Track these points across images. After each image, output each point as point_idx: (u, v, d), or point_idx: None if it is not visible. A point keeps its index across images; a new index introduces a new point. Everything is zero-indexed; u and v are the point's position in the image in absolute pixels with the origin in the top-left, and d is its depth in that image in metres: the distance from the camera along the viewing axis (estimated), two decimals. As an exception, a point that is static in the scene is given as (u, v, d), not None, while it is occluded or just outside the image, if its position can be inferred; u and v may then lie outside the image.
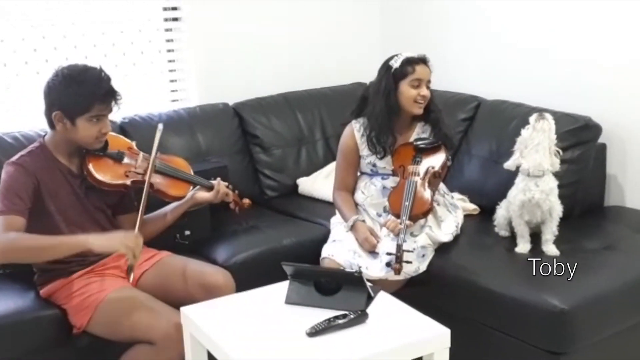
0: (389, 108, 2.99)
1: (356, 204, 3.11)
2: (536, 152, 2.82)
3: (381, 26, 4.37)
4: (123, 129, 3.46)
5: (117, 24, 3.71)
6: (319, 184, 3.69)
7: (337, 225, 3.09)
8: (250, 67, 4.03)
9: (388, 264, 2.69)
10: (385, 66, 3.04)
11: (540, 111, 3.27)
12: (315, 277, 2.40)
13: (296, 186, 3.77)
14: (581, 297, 2.50)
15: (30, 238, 2.44)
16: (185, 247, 3.10)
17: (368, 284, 2.41)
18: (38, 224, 2.56)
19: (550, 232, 2.84)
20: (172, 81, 3.96)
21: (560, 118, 3.18)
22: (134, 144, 2.82)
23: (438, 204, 3.08)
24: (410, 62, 2.97)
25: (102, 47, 3.70)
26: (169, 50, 3.92)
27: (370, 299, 2.38)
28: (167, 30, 3.90)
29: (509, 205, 2.91)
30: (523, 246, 2.86)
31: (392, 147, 3.03)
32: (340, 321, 2.22)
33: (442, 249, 2.93)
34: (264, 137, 3.78)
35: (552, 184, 2.84)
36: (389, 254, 2.71)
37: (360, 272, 2.34)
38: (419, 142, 3.01)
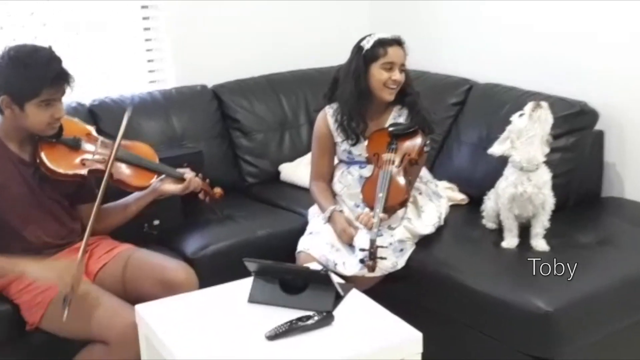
0: (359, 92, 2.79)
1: (335, 194, 2.93)
2: (530, 144, 2.62)
3: (370, 4, 4.15)
4: (92, 111, 3.29)
5: (91, 1, 3.51)
6: (301, 170, 3.49)
7: (314, 216, 2.92)
8: (232, 48, 3.82)
9: (362, 261, 2.51)
10: (357, 47, 2.84)
11: (534, 95, 3.10)
12: (279, 274, 2.23)
13: (278, 173, 3.59)
14: (569, 298, 2.31)
15: None
16: (153, 238, 2.93)
17: (337, 282, 2.24)
18: None
19: (540, 226, 2.65)
20: (149, 61, 3.77)
21: (555, 103, 2.97)
22: (93, 129, 2.64)
23: (420, 193, 2.90)
24: (383, 44, 2.77)
25: (75, 25, 3.50)
26: (145, 29, 3.72)
27: (339, 298, 2.20)
28: (143, 7, 3.70)
29: (498, 198, 2.71)
30: (510, 241, 2.67)
31: (364, 133, 2.84)
32: (303, 323, 2.04)
33: (423, 242, 2.75)
34: (244, 121, 3.59)
35: (545, 176, 2.65)
36: (362, 250, 2.53)
37: (326, 270, 2.16)
38: (393, 128, 2.81)
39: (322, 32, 4.04)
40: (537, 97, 3.08)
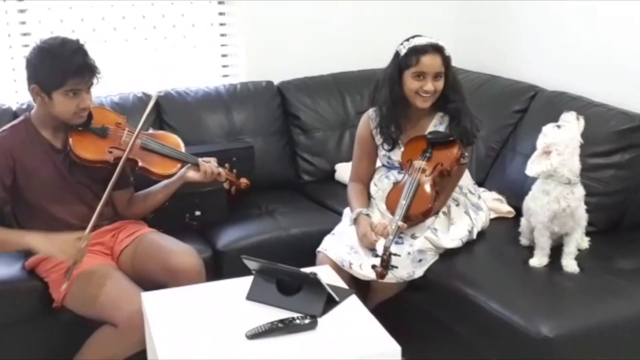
0: (393, 98, 2.73)
1: (370, 196, 2.89)
2: (574, 155, 2.48)
3: (446, 4, 4.03)
4: (158, 102, 3.42)
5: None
6: (355, 171, 3.47)
7: (345, 217, 2.89)
8: (303, 46, 3.84)
9: (373, 266, 2.46)
10: (395, 51, 2.76)
11: (597, 106, 2.93)
12: (276, 275, 2.23)
13: (334, 172, 3.58)
14: (577, 325, 2.16)
15: None
16: (193, 228, 3.02)
17: (335, 286, 2.23)
18: (21, 201, 2.57)
19: (574, 244, 2.49)
20: (223, 56, 3.88)
21: (614, 115, 2.83)
22: (124, 119, 2.74)
23: (457, 204, 2.79)
24: (417, 52, 2.66)
25: (151, 18, 3.66)
26: (221, 24, 3.82)
27: (333, 303, 2.18)
28: (220, 3, 3.80)
29: (530, 215, 2.57)
30: (540, 259, 2.52)
31: (398, 138, 2.77)
32: (283, 325, 2.04)
33: (450, 254, 2.66)
34: (305, 119, 3.62)
35: (582, 189, 2.50)
36: (376, 255, 2.48)
37: (316, 274, 2.14)
38: (431, 136, 2.72)
39: (396, 31, 3.95)
40: (600, 108, 2.93)
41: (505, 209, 3.01)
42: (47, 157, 2.57)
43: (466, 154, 2.71)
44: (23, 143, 2.54)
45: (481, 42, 3.87)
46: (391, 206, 2.61)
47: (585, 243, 2.62)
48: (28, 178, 2.54)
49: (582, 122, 2.51)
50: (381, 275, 2.41)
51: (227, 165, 2.79)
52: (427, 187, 2.59)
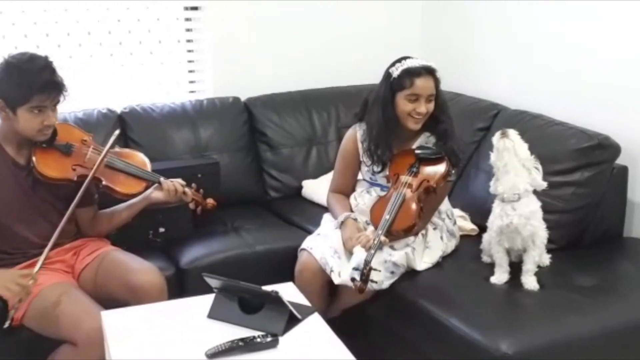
0: (385, 119, 2.74)
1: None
2: (507, 174, 2.53)
3: (413, 23, 4.08)
4: (122, 118, 3.41)
5: (133, 11, 3.65)
6: (323, 188, 3.45)
7: (327, 221, 2.90)
8: (271, 63, 3.86)
9: (352, 279, 2.47)
10: (386, 72, 2.78)
11: (557, 125, 2.98)
12: (236, 292, 2.23)
13: (301, 188, 3.59)
14: (536, 342, 2.18)
15: None
16: (156, 245, 3.01)
17: (297, 304, 2.22)
18: None
19: (531, 262, 2.52)
20: (190, 72, 3.87)
21: (574, 134, 2.88)
22: (90, 137, 2.72)
23: (435, 228, 2.81)
24: (410, 74, 2.68)
25: (118, 34, 3.65)
26: (188, 41, 3.82)
27: (295, 321, 2.18)
28: (187, 19, 3.80)
29: (488, 232, 2.61)
30: (499, 276, 2.56)
31: (388, 160, 2.79)
32: (243, 344, 2.03)
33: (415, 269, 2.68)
34: (272, 135, 3.63)
35: (532, 206, 2.53)
36: (355, 269, 2.50)
37: (277, 292, 2.13)
38: (420, 151, 2.74)
39: (364, 49, 4.01)
40: (560, 127, 2.97)
41: (469, 226, 3.04)
42: (10, 173, 2.54)
43: (452, 171, 2.73)
44: None
45: (445, 60, 3.85)
46: (374, 219, 2.62)
47: (546, 260, 2.65)
48: None
49: (507, 140, 2.54)
50: (360, 290, 2.43)
51: (193, 185, 2.78)
52: (412, 204, 2.61)
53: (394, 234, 2.59)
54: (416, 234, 2.72)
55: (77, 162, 2.60)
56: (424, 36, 4.07)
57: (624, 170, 2.89)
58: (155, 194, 2.70)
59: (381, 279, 2.58)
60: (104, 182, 2.62)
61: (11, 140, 2.55)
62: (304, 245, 2.77)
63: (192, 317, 2.25)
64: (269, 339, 2.06)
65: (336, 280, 2.62)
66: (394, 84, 2.71)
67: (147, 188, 2.71)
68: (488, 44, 3.66)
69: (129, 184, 2.67)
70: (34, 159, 2.53)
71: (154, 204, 2.73)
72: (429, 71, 2.72)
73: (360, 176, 2.98)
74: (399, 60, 2.76)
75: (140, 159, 2.78)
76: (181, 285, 2.85)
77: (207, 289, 2.32)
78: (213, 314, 2.24)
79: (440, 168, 2.70)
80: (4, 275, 2.38)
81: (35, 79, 2.41)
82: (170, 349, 2.08)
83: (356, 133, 2.90)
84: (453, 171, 2.76)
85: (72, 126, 2.78)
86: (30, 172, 2.56)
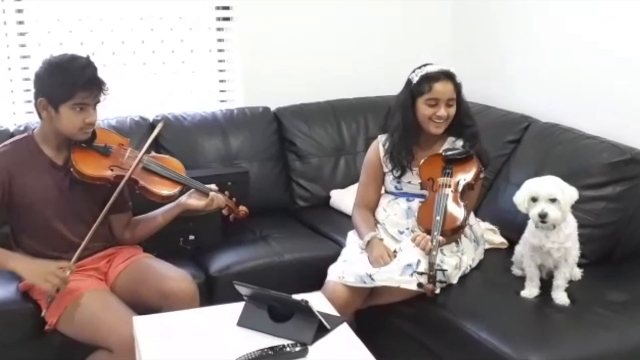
0: (406, 125, 2.80)
1: (376, 222, 2.91)
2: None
3: (444, 34, 4.09)
4: (154, 126, 3.43)
5: (166, 20, 3.70)
6: (350, 197, 3.43)
7: (351, 243, 2.90)
8: (301, 73, 3.88)
9: (420, 285, 2.48)
10: (407, 80, 2.84)
11: (588, 138, 2.96)
12: (268, 301, 2.24)
13: (329, 198, 3.60)
14: (566, 357, 2.16)
15: None
16: (186, 252, 3.03)
17: (326, 314, 2.23)
18: (22, 216, 2.58)
19: (562, 278, 2.50)
20: (221, 81, 3.91)
21: (606, 148, 2.85)
22: (127, 141, 2.76)
23: (465, 235, 2.81)
24: (429, 79, 2.74)
25: (150, 43, 3.70)
26: (219, 50, 3.86)
27: (324, 331, 2.19)
28: (218, 29, 3.85)
29: (522, 245, 2.60)
30: (530, 291, 2.54)
31: (411, 165, 2.82)
32: (273, 353, 2.05)
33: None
34: (301, 145, 3.65)
35: (568, 229, 2.50)
36: (420, 273, 2.50)
37: (307, 302, 2.15)
38: (449, 153, 2.77)
39: (393, 60, 4.00)
40: (592, 140, 2.95)
41: (498, 240, 3.02)
42: (47, 174, 2.58)
43: (484, 169, 2.78)
44: (22, 159, 2.56)
45: (475, 72, 3.89)
46: (425, 224, 2.62)
47: (578, 274, 2.63)
48: (28, 193, 2.54)
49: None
50: (431, 292, 2.46)
51: (227, 192, 2.80)
52: (457, 203, 2.65)
53: (445, 235, 2.59)
54: (460, 236, 2.74)
55: (114, 163, 2.64)
56: (454, 47, 4.07)
57: (657, 185, 2.86)
58: (191, 201, 2.72)
59: (449, 274, 2.58)
60: (140, 183, 2.64)
61: (51, 141, 2.59)
62: (331, 276, 2.72)
63: (222, 325, 2.27)
64: (298, 348, 2.07)
65: (411, 286, 2.54)
66: (414, 89, 2.77)
67: (182, 191, 2.73)
68: (519, 56, 3.65)
69: (164, 185, 2.70)
70: (72, 157, 2.57)
71: (190, 211, 2.75)
72: (448, 75, 2.76)
73: (383, 190, 2.99)
74: (419, 67, 2.83)
75: (177, 164, 2.81)
76: (211, 292, 2.87)
77: (235, 297, 2.34)
78: (243, 322, 2.26)
79: (472, 166, 2.76)
80: (43, 267, 2.44)
81: (78, 75, 2.47)
82: (200, 355, 2.10)
83: (378, 144, 2.93)
84: (484, 169, 2.81)
85: (110, 131, 2.84)
86: (67, 172, 2.60)
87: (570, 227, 2.51)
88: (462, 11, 4.02)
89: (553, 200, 2.43)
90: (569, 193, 2.45)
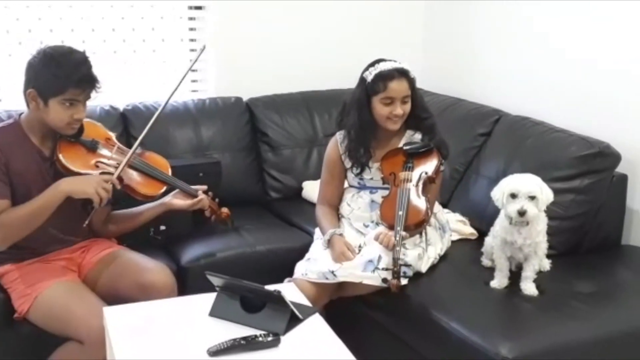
0: (362, 123, 2.78)
1: (341, 217, 2.91)
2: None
3: (424, 26, 4.10)
4: (124, 115, 3.42)
5: (137, 8, 3.66)
6: (321, 189, 3.49)
7: (316, 240, 2.91)
8: (273, 63, 3.87)
9: (385, 280, 2.49)
10: (361, 77, 2.82)
11: (558, 132, 3.00)
12: (240, 291, 2.24)
13: (301, 189, 3.60)
14: (535, 347, 2.20)
15: (15, 211, 2.43)
16: (157, 243, 3.01)
17: (299, 304, 2.24)
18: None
19: (531, 270, 2.53)
20: (192, 71, 3.86)
21: (575, 142, 2.90)
22: (113, 136, 2.72)
23: (429, 225, 2.83)
24: (383, 78, 2.71)
25: (121, 32, 3.66)
26: (191, 40, 3.83)
27: (297, 321, 2.19)
28: (190, 19, 3.82)
29: (492, 237, 2.63)
30: (499, 281, 2.57)
31: (368, 163, 2.82)
32: (246, 343, 2.05)
33: (415, 272, 2.68)
34: (273, 135, 3.64)
35: (540, 226, 2.54)
36: (385, 269, 2.51)
37: (279, 292, 2.15)
38: (409, 147, 2.77)
39: (366, 52, 3.99)
40: (561, 134, 2.99)
41: (468, 230, 3.05)
42: (33, 161, 2.52)
43: (444, 161, 2.80)
44: (11, 144, 2.50)
45: (447, 66, 3.95)
46: (387, 219, 2.62)
47: (546, 265, 2.67)
48: (17, 176, 2.49)
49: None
50: (396, 287, 2.46)
51: (210, 193, 2.78)
52: (419, 197, 2.65)
53: (409, 229, 2.59)
54: (424, 228, 2.74)
55: (100, 159, 2.59)
56: (426, 40, 4.10)
57: (623, 178, 2.91)
58: (176, 201, 2.70)
59: (413, 267, 2.60)
60: (124, 182, 2.59)
61: (36, 131, 2.54)
62: (296, 274, 2.72)
63: (193, 315, 2.26)
64: (270, 338, 2.07)
65: (374, 282, 2.55)
66: (369, 88, 2.75)
67: (166, 191, 2.70)
68: (490, 50, 3.68)
69: (149, 185, 2.67)
70: (59, 151, 2.52)
71: (173, 211, 2.73)
72: (402, 73, 2.74)
73: (346, 184, 2.99)
74: (372, 64, 2.80)
75: (162, 162, 2.78)
76: (182, 283, 2.83)
77: (207, 288, 2.34)
78: (215, 312, 2.25)
79: (433, 159, 2.77)
80: (91, 180, 2.45)
81: (72, 72, 2.41)
82: (171, 346, 2.10)
83: (337, 141, 2.92)
84: (444, 161, 2.82)
85: (98, 124, 2.75)
86: (52, 164, 2.55)
87: (542, 224, 2.54)
88: (435, 6, 4.04)
89: (532, 198, 2.45)
90: (546, 193, 2.48)
